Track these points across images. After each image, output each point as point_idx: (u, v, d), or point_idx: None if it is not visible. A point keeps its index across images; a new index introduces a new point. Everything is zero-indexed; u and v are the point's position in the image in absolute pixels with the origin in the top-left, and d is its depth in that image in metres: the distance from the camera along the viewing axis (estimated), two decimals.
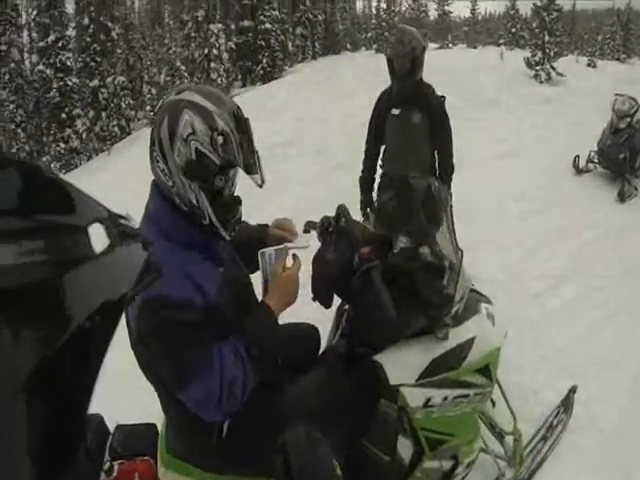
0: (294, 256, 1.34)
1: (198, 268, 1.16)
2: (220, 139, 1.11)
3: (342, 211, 1.58)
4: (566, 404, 2.35)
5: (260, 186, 1.20)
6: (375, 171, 2.99)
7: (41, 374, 0.29)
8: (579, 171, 5.83)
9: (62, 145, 15.66)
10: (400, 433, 1.50)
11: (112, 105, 16.49)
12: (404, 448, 1.52)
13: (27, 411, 0.29)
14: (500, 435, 1.95)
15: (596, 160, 5.72)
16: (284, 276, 1.28)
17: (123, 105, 16.95)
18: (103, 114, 16.31)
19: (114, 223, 0.37)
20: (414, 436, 1.52)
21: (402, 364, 1.53)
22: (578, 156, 5.82)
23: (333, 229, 1.68)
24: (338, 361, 1.63)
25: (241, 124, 1.15)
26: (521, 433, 1.93)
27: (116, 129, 16.41)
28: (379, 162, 2.98)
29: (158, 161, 1.15)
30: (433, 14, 30.60)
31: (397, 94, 2.70)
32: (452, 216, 1.65)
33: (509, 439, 1.93)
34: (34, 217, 0.30)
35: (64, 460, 0.34)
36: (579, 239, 4.29)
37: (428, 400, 1.50)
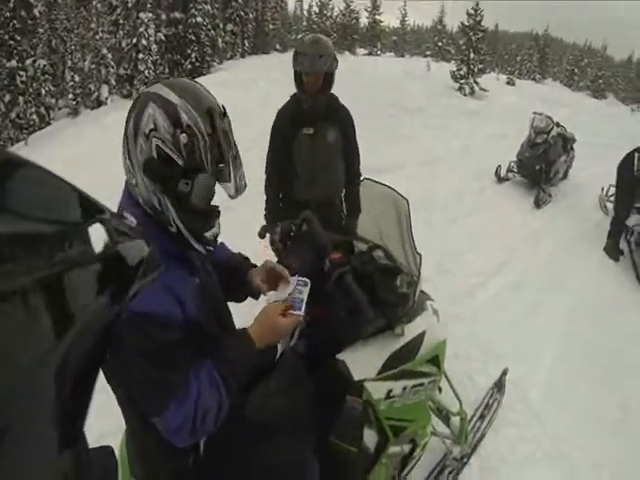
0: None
1: (175, 279, 1.07)
2: (184, 138, 0.99)
3: (307, 217, 1.60)
4: (499, 385, 2.64)
5: (231, 197, 1.09)
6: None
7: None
8: (500, 179, 6.49)
9: None
10: (366, 425, 1.63)
11: (31, 90, 15.03)
12: (370, 438, 1.65)
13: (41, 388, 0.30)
14: (447, 417, 2.15)
15: (515, 170, 6.41)
16: (281, 322, 1.16)
17: (43, 91, 15.47)
18: (21, 99, 14.80)
19: (114, 223, 0.37)
20: (379, 426, 1.65)
21: (364, 360, 1.65)
22: (500, 166, 6.48)
23: (295, 235, 1.72)
24: (299, 361, 1.72)
25: (216, 123, 1.02)
26: (467, 414, 2.15)
27: (35, 117, 14.98)
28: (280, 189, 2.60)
29: (125, 157, 1.06)
30: (364, 21, 31.39)
31: (310, 112, 2.39)
32: (410, 222, 1.74)
33: (455, 420, 2.14)
34: (35, 218, 0.29)
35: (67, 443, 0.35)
36: (501, 240, 4.74)
37: (390, 391, 1.65)
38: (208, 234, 1.13)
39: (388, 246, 1.91)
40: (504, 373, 2.68)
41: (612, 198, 5.38)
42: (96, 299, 0.33)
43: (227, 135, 1.05)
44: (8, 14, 15.13)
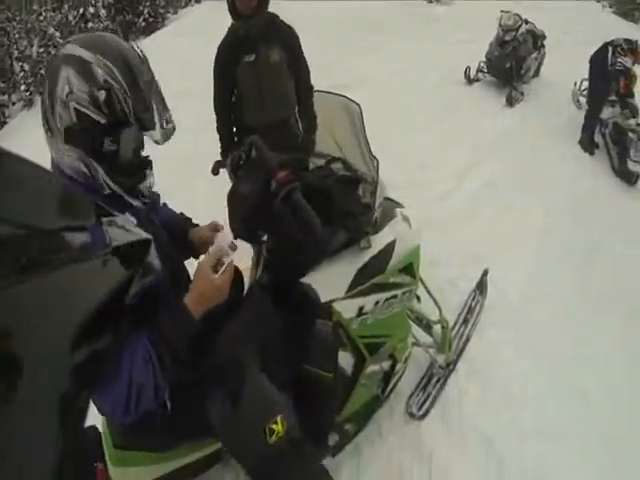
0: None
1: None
2: (102, 94, 0.94)
3: (254, 142, 1.47)
4: (480, 287, 2.56)
5: (158, 143, 1.03)
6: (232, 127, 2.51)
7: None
8: (470, 81, 6.18)
9: None
10: (339, 347, 1.51)
11: None
12: (345, 360, 1.54)
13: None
14: (428, 326, 2.07)
15: (485, 70, 6.13)
16: (216, 281, 1.06)
17: None
18: None
19: (114, 223, 0.40)
20: (353, 346, 1.54)
21: (330, 280, 1.51)
22: (469, 67, 6.14)
23: (244, 162, 1.58)
24: (266, 294, 1.57)
25: (133, 70, 0.97)
26: (447, 321, 2.06)
27: None
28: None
29: (46, 132, 0.99)
30: None
31: (247, 37, 2.24)
32: (364, 127, 1.61)
33: (437, 328, 2.05)
34: (35, 218, 0.31)
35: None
36: (473, 142, 4.54)
37: (361, 309, 1.52)
38: (142, 187, 1.08)
39: (347, 157, 1.75)
40: (484, 274, 2.60)
41: (585, 92, 5.27)
42: (96, 299, 0.35)
43: (149, 82, 1.01)
44: None
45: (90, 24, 14.85)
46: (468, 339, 2.29)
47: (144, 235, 0.91)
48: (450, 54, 6.76)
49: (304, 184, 1.45)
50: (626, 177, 4.21)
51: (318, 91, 2.09)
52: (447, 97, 5.66)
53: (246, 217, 1.46)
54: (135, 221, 1.02)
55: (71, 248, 0.32)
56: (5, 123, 13.68)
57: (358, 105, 1.63)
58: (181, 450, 1.33)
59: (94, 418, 1.20)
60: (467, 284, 2.62)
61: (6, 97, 14.82)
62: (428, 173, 3.95)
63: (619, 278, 2.88)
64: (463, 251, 2.93)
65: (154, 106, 1.01)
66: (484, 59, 6.12)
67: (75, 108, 0.95)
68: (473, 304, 2.47)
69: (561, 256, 3.05)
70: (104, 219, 0.72)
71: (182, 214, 1.46)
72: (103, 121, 0.96)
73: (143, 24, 16.56)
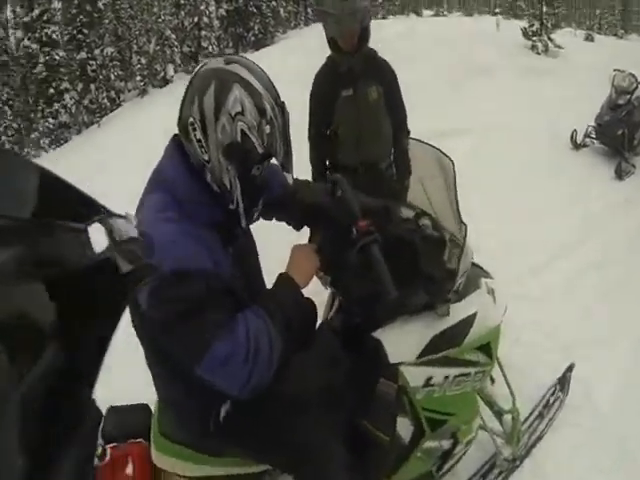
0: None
1: (214, 246, 1.11)
2: (267, 128, 1.06)
3: (339, 182, 1.46)
4: (562, 382, 2.34)
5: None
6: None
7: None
8: (577, 146, 5.77)
9: (51, 120, 15.43)
10: (400, 413, 1.46)
11: (101, 77, 16.10)
12: (404, 428, 1.48)
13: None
14: (499, 413, 1.92)
15: (594, 135, 5.66)
16: (298, 252, 1.27)
17: (112, 77, 16.64)
18: (92, 86, 15.97)
19: (113, 223, 0.37)
20: (414, 416, 1.48)
21: (402, 341, 1.48)
22: (576, 130, 5.74)
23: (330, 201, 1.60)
24: (336, 337, 1.58)
25: (285, 115, 1.10)
26: (519, 412, 1.90)
27: (105, 101, 16.06)
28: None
29: (195, 129, 1.06)
30: None
31: (347, 72, 2.24)
32: (456, 189, 1.54)
33: (507, 417, 1.90)
34: (35, 218, 0.30)
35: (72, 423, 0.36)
36: (576, 214, 4.26)
37: (429, 379, 1.46)
38: (254, 210, 1.19)
39: (436, 214, 1.70)
40: (569, 369, 2.36)
41: None
42: (95, 299, 0.34)
43: (289, 128, 1.13)
44: (74, 10, 16.15)
45: (203, 32, 16.53)
46: (540, 437, 2.09)
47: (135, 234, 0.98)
48: (556, 112, 6.38)
49: (387, 235, 1.40)
50: None
51: (412, 138, 2.04)
52: (550, 161, 5.33)
53: (324, 261, 1.40)
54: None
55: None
56: (119, 105, 15.78)
57: (452, 162, 1.56)
58: (225, 459, 1.33)
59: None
60: (549, 374, 2.40)
61: (123, 84, 17.14)
62: (524, 239, 3.71)
63: None
64: (551, 335, 2.72)
65: (291, 152, 1.14)
66: (593, 123, 5.63)
67: (242, 129, 1.04)
68: (552, 400, 2.25)
69: None
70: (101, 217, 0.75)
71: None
72: (260, 151, 1.07)
73: (252, 39, 18.17)
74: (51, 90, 15.33)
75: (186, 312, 1.02)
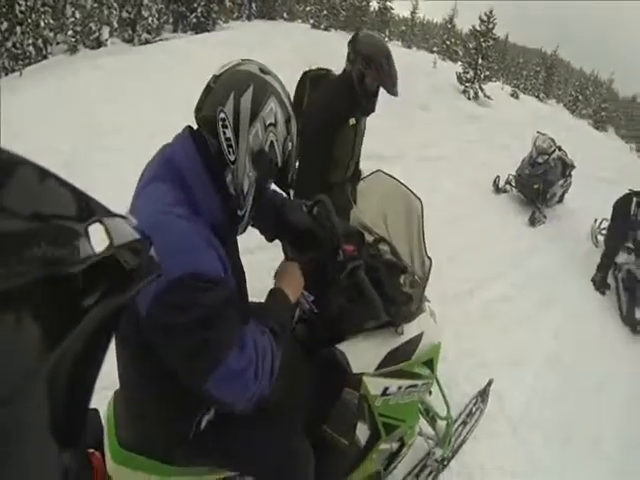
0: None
1: (219, 250, 1.05)
2: (290, 145, 1.14)
3: (321, 203, 1.55)
4: (483, 395, 2.68)
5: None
6: None
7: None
8: (498, 190, 6.51)
9: None
10: (360, 419, 1.63)
11: (29, 21, 13.99)
12: (362, 433, 1.66)
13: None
14: (433, 419, 2.18)
15: (513, 184, 6.42)
16: (289, 268, 1.35)
17: (42, 23, 14.40)
18: (18, 29, 13.74)
19: (113, 223, 0.37)
20: (372, 422, 1.65)
21: (364, 355, 1.65)
22: (499, 177, 6.49)
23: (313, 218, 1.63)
24: (299, 346, 1.70)
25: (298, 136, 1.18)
26: (453, 419, 2.18)
27: (31, 49, 14.01)
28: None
29: (226, 126, 1.05)
30: (374, 5, 28.98)
31: (365, 108, 2.48)
32: (423, 227, 1.72)
33: (442, 423, 2.16)
34: (36, 218, 0.29)
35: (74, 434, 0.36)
36: (494, 252, 4.78)
37: (386, 389, 1.65)
38: (251, 221, 1.23)
39: (393, 242, 1.87)
40: (489, 384, 2.72)
41: (604, 232, 5.40)
42: (95, 300, 0.33)
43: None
44: None
45: (146, 0, 15.75)
46: (464, 441, 2.39)
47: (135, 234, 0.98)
48: (482, 156, 7.03)
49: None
50: (631, 324, 4.32)
51: (381, 171, 2.09)
52: (472, 201, 5.90)
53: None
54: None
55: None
56: (45, 57, 14.17)
57: (420, 202, 1.67)
58: (192, 469, 1.31)
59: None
60: (471, 388, 2.75)
61: (52, 34, 15.15)
62: (449, 269, 4.06)
63: (615, 419, 2.99)
64: (473, 353, 3.09)
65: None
66: (515, 173, 6.37)
67: (272, 141, 1.09)
68: (474, 409, 2.58)
69: (561, 389, 3.14)
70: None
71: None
72: (280, 164, 1.14)
73: (194, 20, 17.69)
74: None
75: (198, 322, 0.95)
